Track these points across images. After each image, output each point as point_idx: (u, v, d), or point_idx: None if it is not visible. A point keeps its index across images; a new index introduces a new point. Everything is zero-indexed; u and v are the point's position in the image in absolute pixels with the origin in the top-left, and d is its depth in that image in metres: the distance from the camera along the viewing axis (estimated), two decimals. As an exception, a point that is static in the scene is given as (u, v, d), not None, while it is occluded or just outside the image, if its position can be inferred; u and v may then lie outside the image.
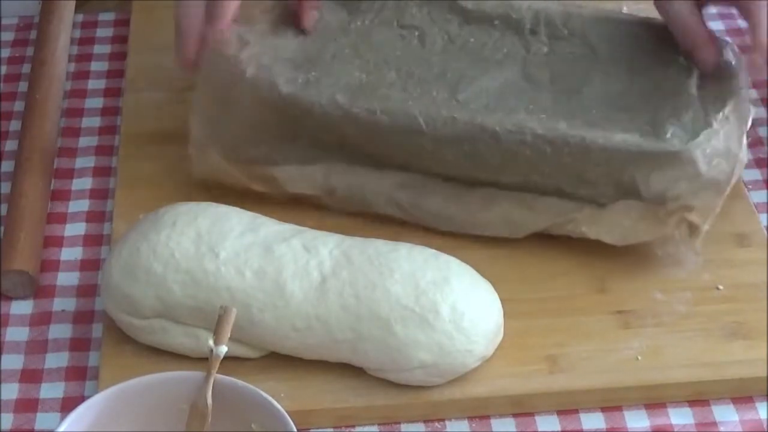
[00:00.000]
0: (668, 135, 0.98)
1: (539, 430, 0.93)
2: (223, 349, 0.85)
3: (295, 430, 0.83)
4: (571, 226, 1.01)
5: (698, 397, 0.95)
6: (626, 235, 1.00)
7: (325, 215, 1.04)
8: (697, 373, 0.94)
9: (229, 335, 0.86)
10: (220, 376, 0.86)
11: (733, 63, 1.04)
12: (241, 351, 0.94)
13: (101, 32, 1.30)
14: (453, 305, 0.92)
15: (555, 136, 0.99)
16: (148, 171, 1.11)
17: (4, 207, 1.09)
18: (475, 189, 1.03)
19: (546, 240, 1.04)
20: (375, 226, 1.03)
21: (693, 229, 0.99)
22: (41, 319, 1.01)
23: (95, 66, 1.26)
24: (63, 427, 0.83)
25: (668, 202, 0.98)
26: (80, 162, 1.15)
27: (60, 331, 1.00)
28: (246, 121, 1.04)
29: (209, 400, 0.85)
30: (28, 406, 0.95)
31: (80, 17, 1.31)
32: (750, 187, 1.11)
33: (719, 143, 0.99)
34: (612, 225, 1.00)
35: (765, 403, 0.94)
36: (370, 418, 0.93)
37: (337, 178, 1.04)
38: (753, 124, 1.16)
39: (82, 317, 1.01)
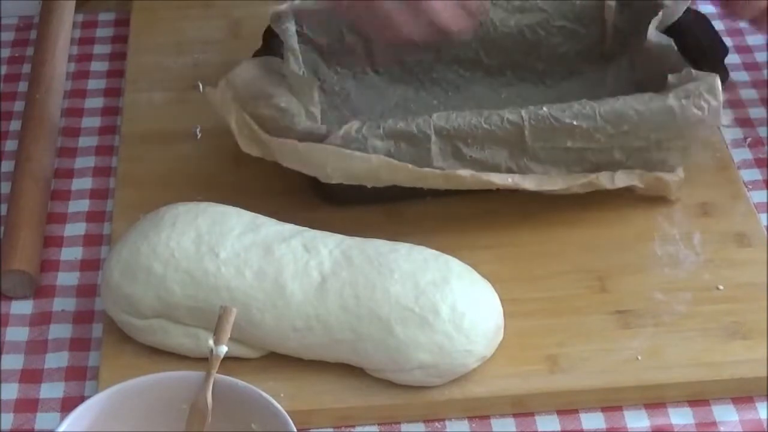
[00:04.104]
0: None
1: (539, 430, 0.93)
2: (223, 349, 0.85)
3: (295, 430, 0.83)
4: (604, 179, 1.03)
5: (698, 397, 0.95)
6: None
7: (325, 215, 1.04)
8: (697, 373, 0.94)
9: (229, 335, 0.86)
10: (220, 376, 0.86)
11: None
12: (241, 351, 0.94)
13: (101, 32, 1.30)
14: (453, 305, 0.92)
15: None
16: (148, 171, 1.11)
17: (4, 207, 1.09)
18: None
19: (546, 240, 1.04)
20: (375, 226, 1.03)
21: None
22: (41, 319, 1.01)
23: (95, 66, 1.26)
24: (63, 427, 0.83)
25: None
26: (80, 162, 1.15)
27: (60, 331, 1.00)
28: None
29: (209, 400, 0.85)
30: (28, 406, 0.95)
31: (80, 17, 1.31)
32: (750, 187, 1.10)
33: None
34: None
35: (765, 403, 0.94)
36: (370, 418, 0.93)
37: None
38: (753, 124, 1.17)
39: (82, 317, 1.01)
